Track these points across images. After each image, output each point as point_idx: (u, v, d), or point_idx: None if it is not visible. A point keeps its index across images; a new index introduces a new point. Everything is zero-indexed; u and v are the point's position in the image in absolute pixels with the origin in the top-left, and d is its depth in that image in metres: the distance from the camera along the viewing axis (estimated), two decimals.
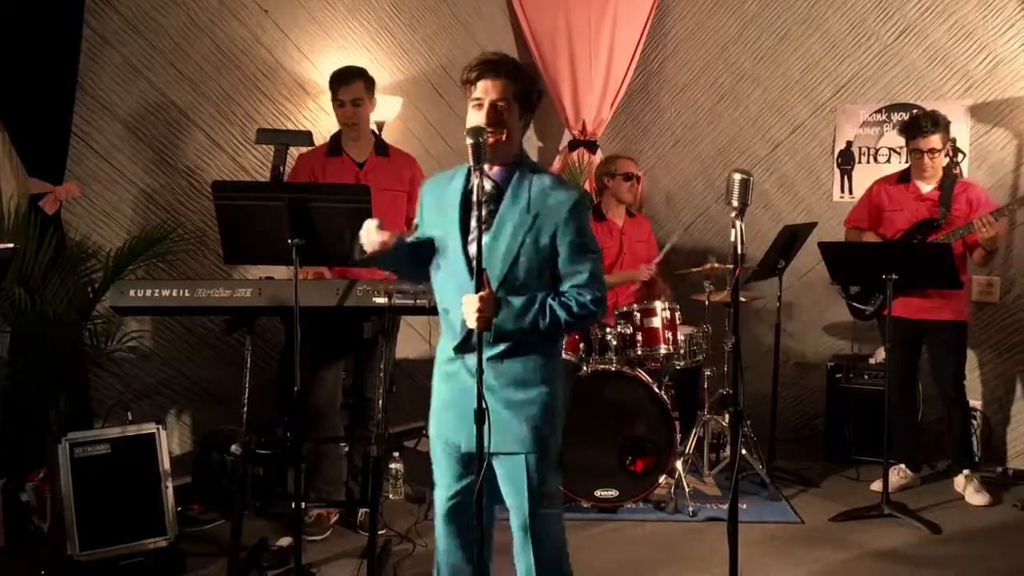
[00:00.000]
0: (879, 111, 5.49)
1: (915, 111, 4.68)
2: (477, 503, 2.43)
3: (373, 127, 4.51)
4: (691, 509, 4.30)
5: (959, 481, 4.61)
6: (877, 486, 4.47)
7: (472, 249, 2.42)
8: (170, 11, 4.44)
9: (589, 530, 4.15)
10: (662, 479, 4.33)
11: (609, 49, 5.98)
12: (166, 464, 3.74)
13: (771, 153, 5.84)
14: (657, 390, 4.34)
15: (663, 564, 3.81)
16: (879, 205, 4.66)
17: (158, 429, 3.76)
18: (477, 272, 2.37)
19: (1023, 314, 5.11)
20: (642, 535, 4.12)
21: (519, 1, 6.09)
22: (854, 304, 4.76)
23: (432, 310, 2.83)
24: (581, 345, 4.47)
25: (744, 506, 4.33)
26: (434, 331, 2.81)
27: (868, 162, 5.56)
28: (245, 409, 3.58)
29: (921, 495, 4.59)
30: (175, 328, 4.58)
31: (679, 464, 4.41)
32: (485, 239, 2.43)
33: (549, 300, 2.48)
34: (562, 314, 2.47)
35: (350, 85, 4.07)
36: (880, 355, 5.16)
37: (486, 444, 2.35)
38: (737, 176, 2.60)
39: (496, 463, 2.56)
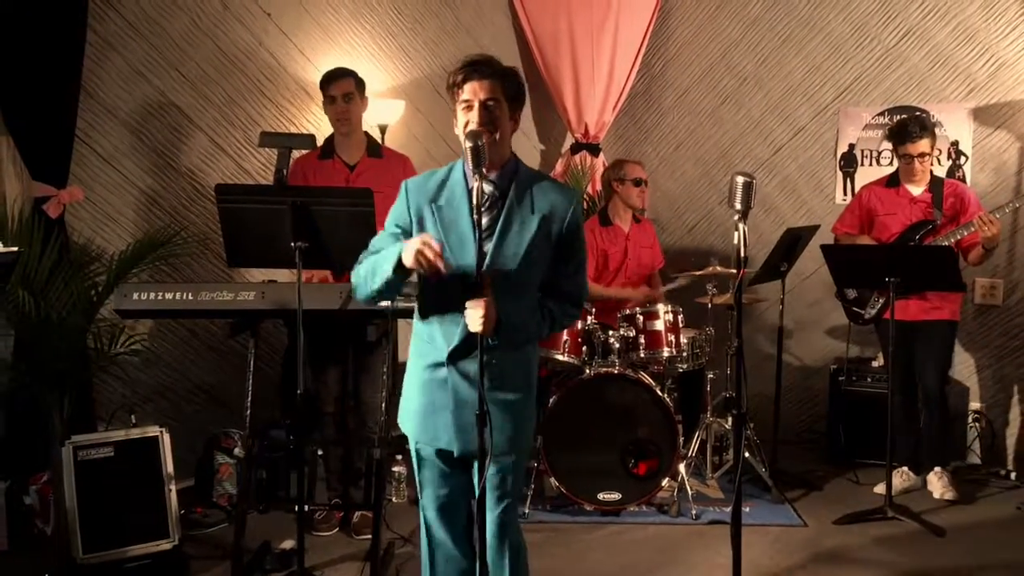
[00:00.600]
0: (881, 114, 5.49)
1: (903, 116, 4.68)
2: (479, 504, 2.46)
3: (375, 129, 4.51)
4: (694, 512, 4.30)
5: (931, 478, 4.63)
6: (880, 489, 4.47)
7: (484, 250, 2.43)
8: (173, 14, 4.45)
9: (592, 533, 4.15)
10: (665, 482, 4.33)
11: (611, 52, 5.98)
12: (169, 467, 3.74)
13: (773, 156, 5.84)
14: (660, 393, 4.33)
15: (666, 567, 3.81)
16: (871, 210, 4.66)
17: (161, 432, 3.76)
18: (480, 277, 2.38)
19: None
20: (645, 538, 4.11)
21: (521, 4, 6.09)
22: (853, 308, 4.74)
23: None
24: (584, 348, 4.47)
25: (747, 509, 4.32)
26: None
27: (870, 165, 5.56)
28: (248, 412, 3.58)
29: (924, 498, 4.58)
30: (178, 331, 4.59)
31: (682, 467, 4.41)
32: (492, 243, 2.45)
33: (546, 302, 2.54)
34: (557, 314, 2.57)
35: (340, 81, 4.09)
36: (883, 358, 5.16)
37: (487, 445, 2.37)
38: (740, 179, 2.60)
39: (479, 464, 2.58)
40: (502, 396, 2.53)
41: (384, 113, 5.08)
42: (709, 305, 4.71)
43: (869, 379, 5.18)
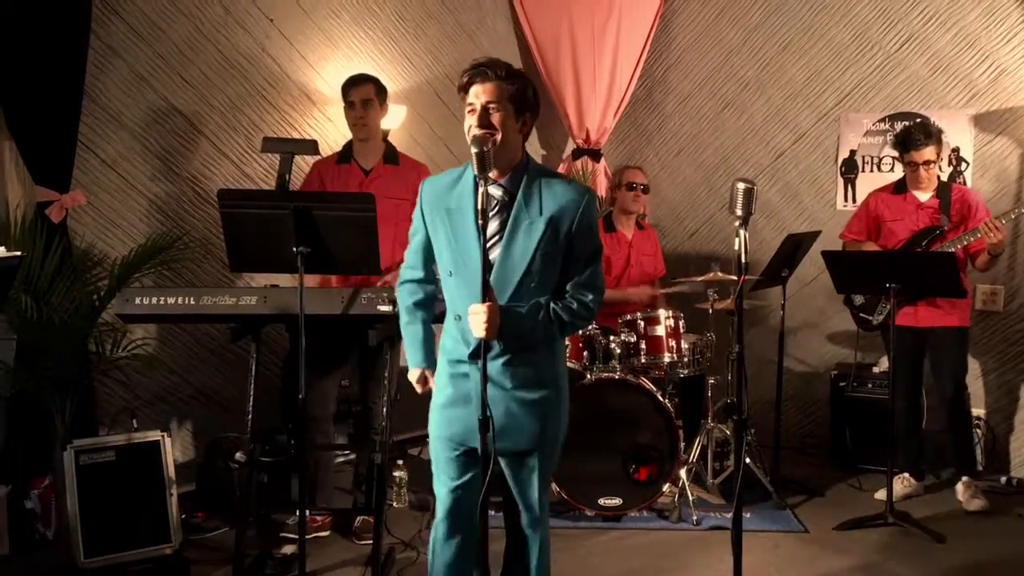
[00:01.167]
0: (882, 120, 5.50)
1: (907, 123, 4.68)
2: (482, 506, 2.48)
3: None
4: (695, 518, 4.30)
5: (959, 488, 4.61)
6: (881, 495, 4.47)
7: (492, 255, 2.44)
8: (176, 20, 4.46)
9: (593, 538, 4.14)
10: (666, 487, 4.33)
11: (613, 57, 5.99)
12: (171, 471, 3.75)
13: (775, 162, 5.85)
14: (661, 398, 4.34)
15: (667, 573, 3.81)
16: (879, 216, 4.66)
17: (163, 436, 3.77)
18: (483, 282, 2.39)
19: None
20: (646, 544, 4.11)
21: (523, 10, 6.11)
22: (860, 315, 4.75)
23: (437, 318, 2.85)
24: (585, 353, 4.47)
25: (748, 515, 4.32)
26: (437, 337, 2.81)
27: (872, 171, 5.57)
28: (250, 417, 3.58)
29: (925, 504, 4.59)
30: (180, 336, 4.60)
31: (683, 473, 4.40)
32: (499, 248, 2.48)
33: (552, 304, 2.54)
34: (566, 316, 2.55)
35: (361, 86, 4.12)
36: (884, 364, 5.16)
37: (490, 447, 2.40)
38: (741, 185, 2.61)
39: (506, 462, 2.61)
40: (526, 395, 2.56)
41: (386, 118, 5.07)
42: (710, 310, 4.71)
43: (870, 385, 5.19)
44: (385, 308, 3.39)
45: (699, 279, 4.74)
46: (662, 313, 4.52)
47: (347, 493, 4.43)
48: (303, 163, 4.48)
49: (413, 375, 2.83)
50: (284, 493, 4.33)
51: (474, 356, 2.53)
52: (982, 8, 5.14)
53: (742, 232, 2.62)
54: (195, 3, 4.52)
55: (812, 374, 5.75)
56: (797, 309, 5.66)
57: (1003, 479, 4.97)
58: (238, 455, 3.58)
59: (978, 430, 5.06)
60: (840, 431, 5.27)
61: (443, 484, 2.69)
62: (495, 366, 2.50)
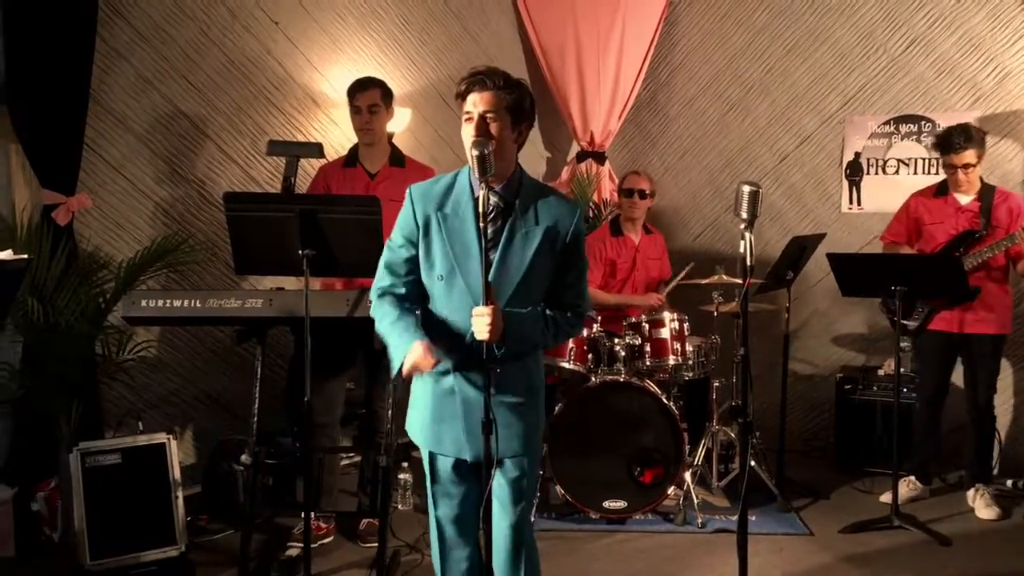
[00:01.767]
0: (887, 122, 5.50)
1: (948, 126, 4.52)
2: (486, 509, 2.48)
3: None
4: (700, 520, 4.29)
5: (971, 494, 4.59)
6: (886, 498, 4.46)
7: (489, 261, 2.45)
8: (181, 23, 4.47)
9: (597, 541, 4.14)
10: (671, 490, 4.33)
11: (617, 60, 6.00)
12: (176, 474, 3.76)
13: (779, 164, 5.85)
14: (666, 401, 4.33)
15: (672, 575, 3.81)
16: (918, 219, 4.58)
17: (168, 439, 3.78)
18: (485, 286, 2.39)
19: None
20: (650, 547, 4.11)
21: (527, 13, 6.11)
22: (903, 322, 4.60)
23: None
24: (590, 356, 4.47)
25: (753, 517, 4.31)
26: None
27: (876, 173, 5.57)
28: (255, 419, 3.59)
29: (931, 507, 4.58)
30: (185, 338, 4.60)
31: (688, 475, 4.40)
32: (496, 253, 2.48)
33: (548, 312, 2.57)
34: (562, 324, 2.60)
35: (367, 91, 4.11)
36: (889, 366, 5.15)
37: (494, 452, 2.41)
38: (746, 188, 2.60)
39: (497, 467, 2.61)
40: (510, 399, 2.57)
41: (391, 121, 5.08)
42: (715, 313, 4.71)
43: (876, 388, 5.17)
44: None
45: (703, 282, 4.74)
46: (667, 316, 4.52)
47: (352, 496, 4.43)
48: (308, 166, 4.49)
49: (414, 351, 2.44)
50: (289, 496, 4.33)
51: (463, 362, 2.52)
52: (987, 11, 5.15)
53: (748, 235, 2.61)
54: (201, 7, 4.53)
55: (817, 377, 5.74)
56: (802, 312, 5.66)
57: (1009, 483, 4.94)
58: (243, 457, 3.59)
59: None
60: (845, 434, 5.26)
61: (442, 501, 2.68)
62: (477, 374, 2.48)
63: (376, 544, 3.69)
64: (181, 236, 4.33)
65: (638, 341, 4.49)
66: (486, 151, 2.38)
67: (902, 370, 4.77)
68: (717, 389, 4.77)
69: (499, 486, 2.63)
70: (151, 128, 4.42)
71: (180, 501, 3.74)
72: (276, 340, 4.74)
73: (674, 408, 4.36)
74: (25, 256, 2.62)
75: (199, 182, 4.63)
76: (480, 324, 2.38)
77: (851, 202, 5.64)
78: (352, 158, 4.20)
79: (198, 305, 3.40)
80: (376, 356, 4.01)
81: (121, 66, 4.28)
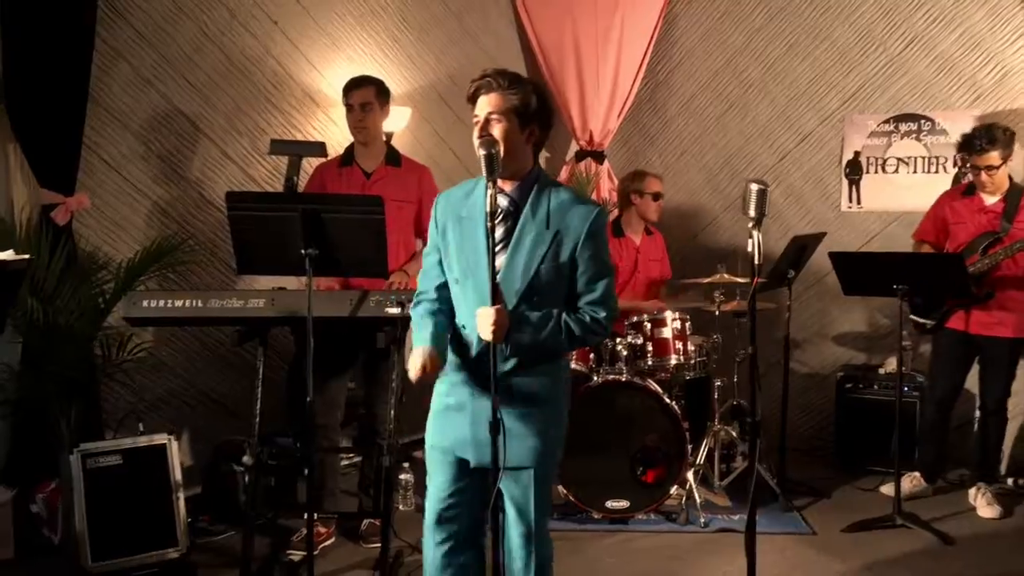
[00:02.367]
0: (887, 121, 5.50)
1: (976, 126, 4.48)
2: (492, 517, 2.47)
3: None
4: (702, 520, 4.29)
5: (972, 493, 4.60)
6: (887, 490, 4.47)
7: (497, 263, 2.43)
8: (180, 22, 4.45)
9: (600, 541, 4.13)
10: (673, 490, 4.31)
11: (616, 59, 5.99)
12: (177, 475, 3.74)
13: (779, 163, 5.84)
14: (667, 400, 4.33)
15: (675, 575, 3.80)
16: (944, 218, 4.56)
17: (169, 440, 3.76)
18: (492, 286, 2.38)
19: None
20: (653, 546, 4.10)
21: (526, 12, 6.10)
22: (914, 318, 4.62)
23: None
24: (591, 355, 4.47)
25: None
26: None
27: (876, 172, 5.57)
28: (257, 420, 3.57)
29: (933, 505, 4.58)
30: (186, 339, 4.58)
31: (690, 475, 4.40)
32: (504, 255, 2.48)
33: (564, 316, 2.52)
34: (576, 329, 2.52)
35: (360, 89, 4.10)
36: (891, 365, 5.15)
37: (500, 457, 2.38)
38: (754, 186, 2.58)
39: (503, 476, 2.58)
40: (523, 409, 2.53)
41: (390, 121, 5.04)
42: (716, 312, 4.70)
43: (876, 386, 5.17)
44: (393, 310, 3.37)
45: (704, 281, 4.73)
46: (668, 315, 4.51)
47: (352, 496, 4.41)
48: (308, 165, 4.46)
49: (416, 354, 2.50)
50: (290, 496, 4.32)
51: (474, 364, 2.52)
52: (987, 9, 5.15)
53: (755, 233, 2.58)
54: (199, 6, 4.50)
55: (818, 376, 5.74)
56: (802, 311, 5.65)
57: (1010, 481, 4.94)
58: (244, 458, 3.57)
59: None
60: (846, 433, 5.26)
61: (433, 493, 2.66)
62: (492, 375, 2.46)
63: (378, 544, 3.68)
64: (180, 236, 4.31)
65: (640, 340, 4.48)
66: (493, 151, 2.38)
67: (904, 369, 4.77)
68: (719, 388, 4.76)
69: (509, 496, 2.59)
70: (150, 127, 4.40)
71: (181, 502, 3.72)
72: (277, 340, 4.72)
73: (676, 407, 4.35)
74: (26, 256, 2.60)
75: (198, 182, 4.60)
76: (483, 323, 2.38)
77: (850, 201, 5.64)
78: (348, 157, 4.18)
79: (200, 305, 3.39)
80: (377, 356, 4.01)
81: (120, 65, 4.26)
